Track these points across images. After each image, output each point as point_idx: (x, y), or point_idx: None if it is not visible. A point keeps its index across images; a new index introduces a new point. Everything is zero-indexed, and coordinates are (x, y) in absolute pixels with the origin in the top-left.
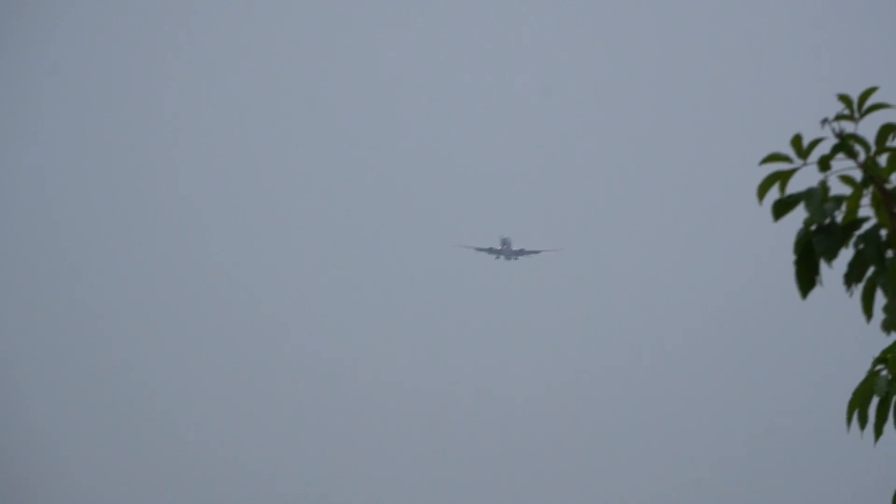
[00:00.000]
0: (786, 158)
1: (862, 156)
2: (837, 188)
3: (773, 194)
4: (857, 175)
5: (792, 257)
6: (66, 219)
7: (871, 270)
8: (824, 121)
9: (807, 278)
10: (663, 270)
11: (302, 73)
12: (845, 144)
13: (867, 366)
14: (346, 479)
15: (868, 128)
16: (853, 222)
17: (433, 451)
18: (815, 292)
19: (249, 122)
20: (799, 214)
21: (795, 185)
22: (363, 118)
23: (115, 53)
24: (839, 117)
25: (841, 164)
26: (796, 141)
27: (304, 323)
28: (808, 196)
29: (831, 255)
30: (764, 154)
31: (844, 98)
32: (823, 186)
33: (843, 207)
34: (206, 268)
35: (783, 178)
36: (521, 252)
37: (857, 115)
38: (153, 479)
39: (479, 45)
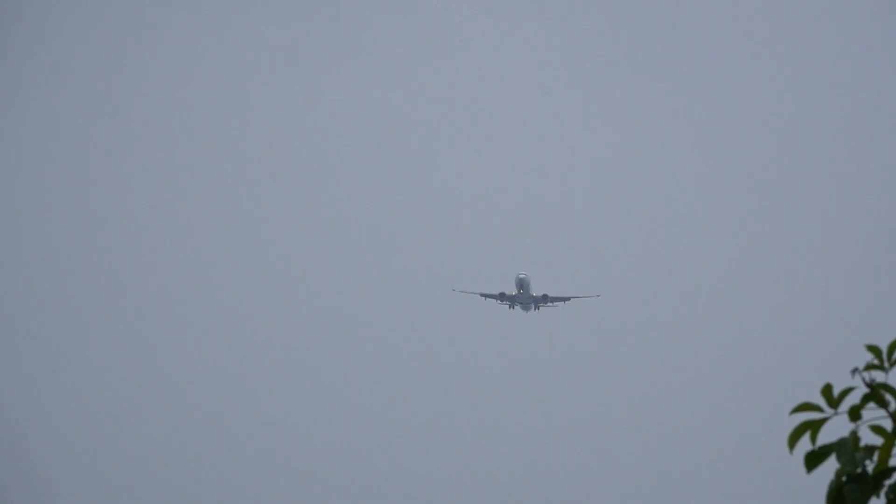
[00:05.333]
0: (816, 408)
1: (892, 405)
2: (868, 437)
3: (804, 443)
4: (888, 424)
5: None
6: (61, 220)
7: None
8: (854, 370)
9: None
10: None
11: (297, 80)
12: (875, 394)
13: None
14: None
15: None
16: (884, 472)
17: None
18: None
19: (246, 122)
20: (830, 463)
21: (826, 433)
22: (361, 147)
23: (115, 53)
24: (869, 367)
25: (871, 413)
26: (827, 390)
27: (296, 377)
28: (839, 447)
29: None
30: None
31: (874, 349)
32: (854, 437)
33: (875, 457)
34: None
35: (814, 427)
36: (545, 299)
37: (886, 364)
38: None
39: (482, 63)
